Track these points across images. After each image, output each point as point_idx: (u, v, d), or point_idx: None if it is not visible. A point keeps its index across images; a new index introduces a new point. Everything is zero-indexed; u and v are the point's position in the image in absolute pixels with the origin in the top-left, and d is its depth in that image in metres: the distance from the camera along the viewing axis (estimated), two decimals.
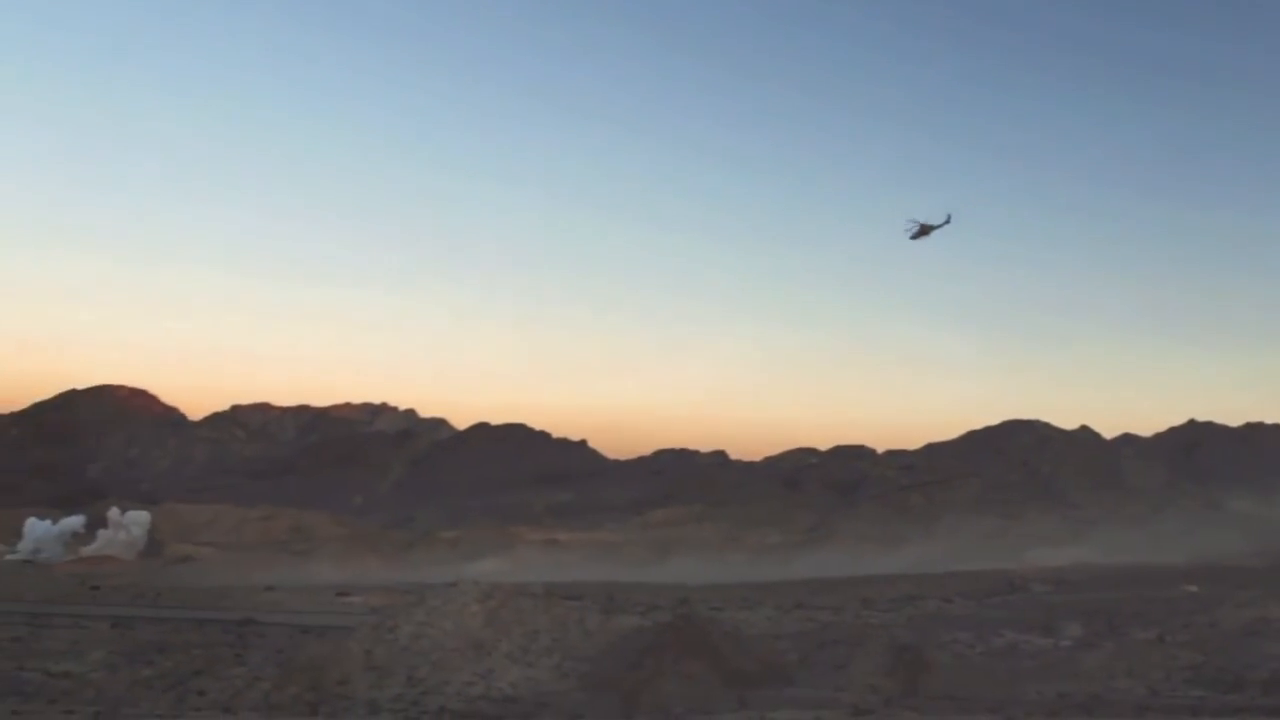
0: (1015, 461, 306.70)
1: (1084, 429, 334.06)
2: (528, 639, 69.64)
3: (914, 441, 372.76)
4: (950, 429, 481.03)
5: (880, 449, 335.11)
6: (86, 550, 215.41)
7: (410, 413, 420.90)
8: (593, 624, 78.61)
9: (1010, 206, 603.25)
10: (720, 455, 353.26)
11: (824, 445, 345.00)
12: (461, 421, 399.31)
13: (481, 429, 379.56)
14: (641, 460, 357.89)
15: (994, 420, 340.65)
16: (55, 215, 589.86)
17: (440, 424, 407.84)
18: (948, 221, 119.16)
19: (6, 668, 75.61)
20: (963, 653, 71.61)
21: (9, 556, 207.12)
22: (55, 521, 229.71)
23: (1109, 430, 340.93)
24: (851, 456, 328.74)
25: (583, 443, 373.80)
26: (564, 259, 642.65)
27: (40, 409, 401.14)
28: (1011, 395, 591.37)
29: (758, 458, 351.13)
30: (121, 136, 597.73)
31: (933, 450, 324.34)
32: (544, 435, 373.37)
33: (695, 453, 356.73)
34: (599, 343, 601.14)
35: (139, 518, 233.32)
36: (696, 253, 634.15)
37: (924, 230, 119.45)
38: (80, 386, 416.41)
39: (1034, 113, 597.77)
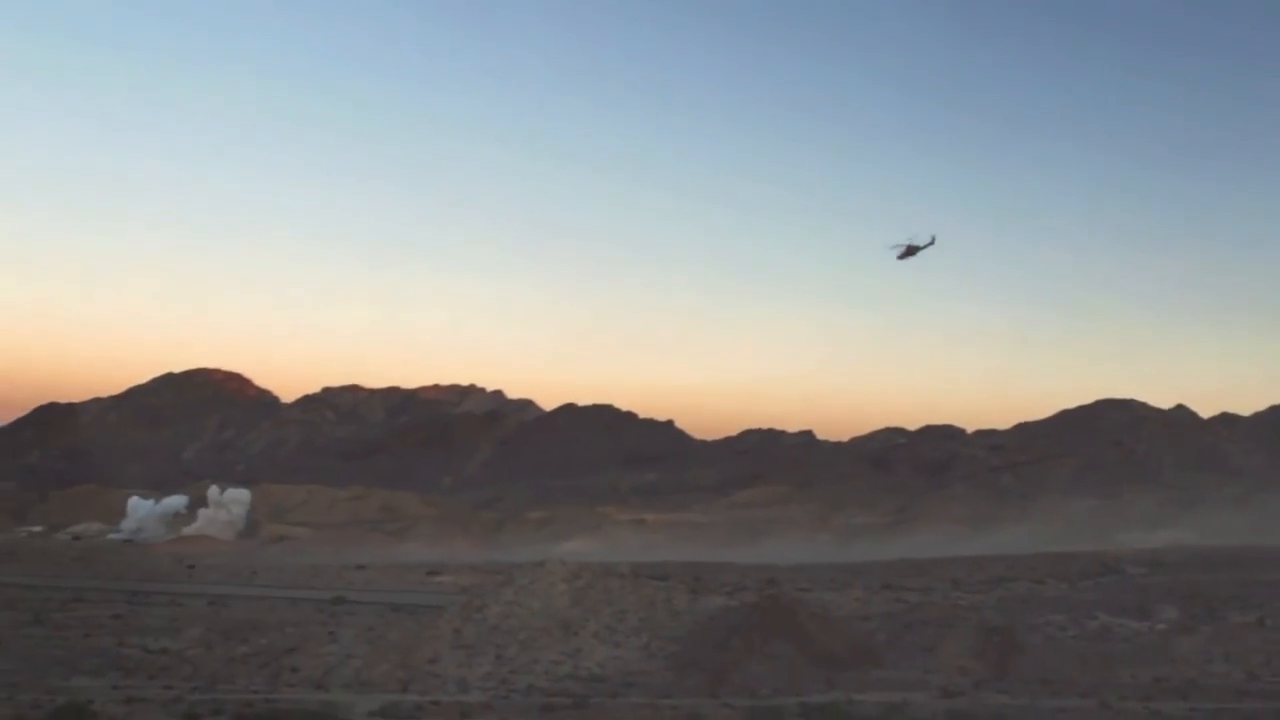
0: (1109, 441, 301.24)
1: (1180, 408, 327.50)
2: (615, 619, 69.88)
3: (1005, 421, 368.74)
4: (1042, 408, 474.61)
5: (970, 429, 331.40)
6: (188, 530, 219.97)
7: (498, 393, 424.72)
8: (680, 604, 78.66)
9: (1104, 186, 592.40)
10: (807, 435, 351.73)
11: (913, 425, 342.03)
12: (549, 402, 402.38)
13: (568, 409, 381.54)
14: (728, 440, 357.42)
15: (1087, 399, 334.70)
16: (149, 200, 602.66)
17: (527, 405, 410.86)
18: (932, 242, 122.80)
19: (107, 644, 77.52)
20: (1055, 635, 70.58)
21: (111, 536, 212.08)
22: (158, 501, 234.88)
23: (1206, 409, 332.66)
24: (941, 436, 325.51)
25: (669, 423, 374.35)
26: (650, 239, 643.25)
27: (138, 393, 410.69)
28: (1104, 374, 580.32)
29: (845, 438, 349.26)
30: (217, 121, 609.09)
31: (1024, 430, 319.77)
32: (631, 416, 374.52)
33: (782, 433, 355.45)
34: (686, 323, 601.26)
35: (239, 496, 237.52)
36: (782, 232, 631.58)
37: (910, 250, 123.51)
38: (176, 370, 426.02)
39: (1119, 90, 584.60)
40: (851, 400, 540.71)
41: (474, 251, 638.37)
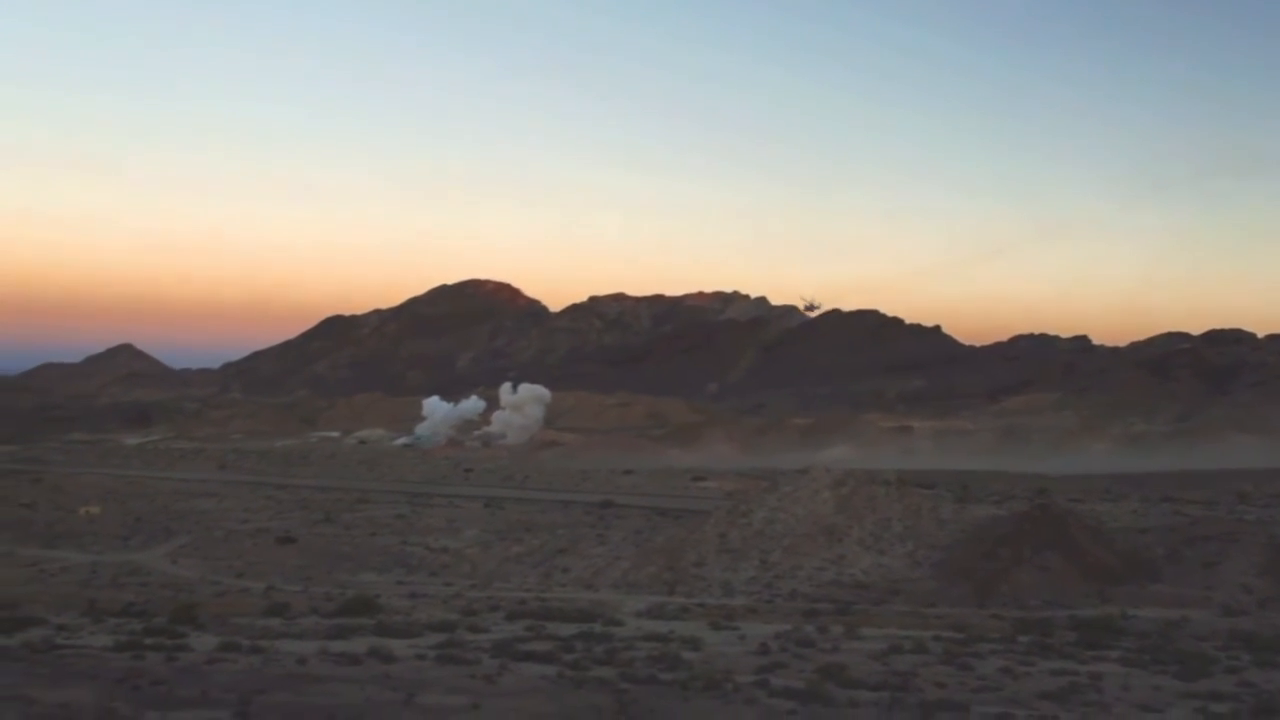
0: None
1: None
2: (880, 526, 69.61)
3: None
4: None
5: (1261, 333, 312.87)
6: (479, 432, 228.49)
7: (762, 300, 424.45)
8: (946, 513, 77.76)
9: None
10: (1082, 340, 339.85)
11: (1196, 329, 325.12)
12: None
13: (833, 315, 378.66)
14: (998, 346, 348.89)
15: None
16: (420, 122, 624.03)
17: (791, 311, 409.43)
18: (820, 307, 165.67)
19: (392, 543, 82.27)
20: None
21: (398, 440, 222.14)
22: (455, 404, 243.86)
23: None
24: (1227, 341, 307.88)
25: (936, 328, 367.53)
26: (918, 144, 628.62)
27: (414, 304, 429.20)
28: None
29: (1123, 343, 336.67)
30: (494, 43, 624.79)
31: None
32: (897, 321, 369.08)
33: (1055, 338, 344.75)
34: (958, 227, 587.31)
35: (537, 393, 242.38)
36: (1068, 131, 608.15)
37: (810, 308, 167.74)
38: (449, 282, 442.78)
39: None
40: (1130, 304, 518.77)
41: (738, 159, 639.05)
